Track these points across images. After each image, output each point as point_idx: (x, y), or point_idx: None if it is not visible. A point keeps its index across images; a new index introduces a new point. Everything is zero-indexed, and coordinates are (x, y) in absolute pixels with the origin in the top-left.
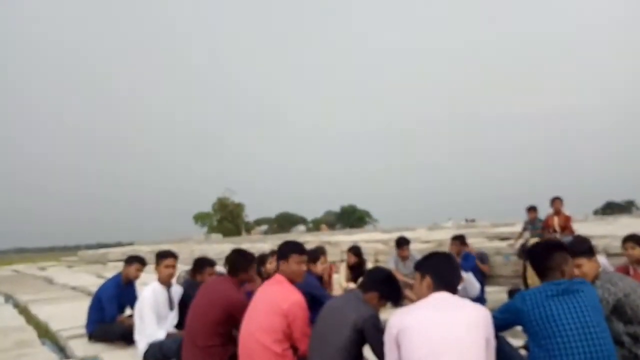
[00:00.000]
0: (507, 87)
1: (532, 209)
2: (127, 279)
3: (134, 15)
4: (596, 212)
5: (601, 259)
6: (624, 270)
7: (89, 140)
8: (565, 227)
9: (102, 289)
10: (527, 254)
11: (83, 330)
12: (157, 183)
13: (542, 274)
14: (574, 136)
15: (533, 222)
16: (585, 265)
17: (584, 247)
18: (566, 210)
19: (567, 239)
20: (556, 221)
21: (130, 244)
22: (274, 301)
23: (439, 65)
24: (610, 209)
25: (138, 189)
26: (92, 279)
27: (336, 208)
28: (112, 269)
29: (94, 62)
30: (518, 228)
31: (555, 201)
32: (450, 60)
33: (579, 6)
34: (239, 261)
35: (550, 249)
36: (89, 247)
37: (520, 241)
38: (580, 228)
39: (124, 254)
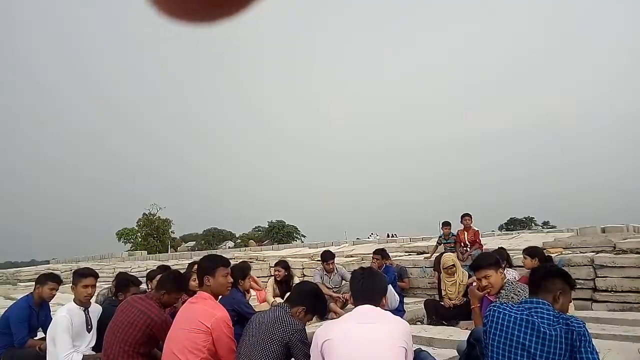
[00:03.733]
0: (425, 116)
1: (446, 225)
2: (40, 299)
3: None
4: (500, 227)
5: (511, 271)
6: (526, 280)
7: None
8: (474, 241)
9: (10, 310)
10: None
11: None
12: (77, 197)
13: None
14: (482, 161)
15: (447, 236)
16: (492, 277)
17: (491, 260)
18: (475, 226)
19: (476, 252)
20: (466, 236)
21: (46, 262)
22: (198, 319)
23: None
24: (513, 224)
25: (55, 203)
26: None
27: (264, 224)
28: (24, 290)
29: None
30: (433, 242)
31: (465, 217)
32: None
33: None
34: (167, 282)
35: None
36: None
37: (436, 255)
38: (488, 242)
39: (38, 273)
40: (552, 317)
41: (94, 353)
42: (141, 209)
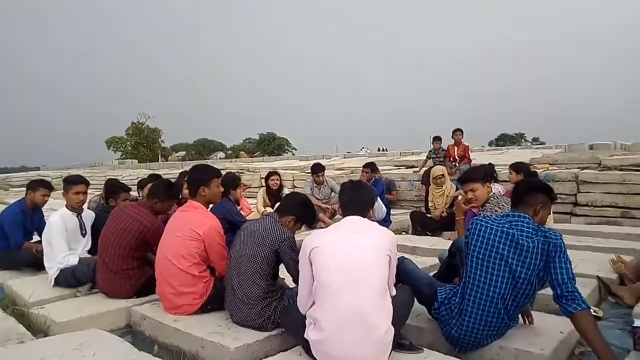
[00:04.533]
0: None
1: (437, 139)
2: (33, 204)
3: None
4: (490, 143)
5: (496, 185)
6: (511, 194)
7: None
8: (464, 156)
9: (4, 215)
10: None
11: None
12: (66, 102)
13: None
14: (475, 76)
15: (437, 151)
16: (479, 190)
17: (479, 174)
18: (465, 141)
19: (464, 167)
20: (456, 151)
21: (36, 168)
22: (191, 227)
23: None
24: (503, 140)
25: (44, 108)
26: None
27: (255, 136)
28: (16, 196)
29: None
30: (423, 157)
31: (456, 132)
32: None
33: None
34: (159, 191)
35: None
36: None
37: (424, 169)
38: (478, 157)
39: (29, 179)
40: (531, 230)
41: (89, 256)
42: (130, 117)
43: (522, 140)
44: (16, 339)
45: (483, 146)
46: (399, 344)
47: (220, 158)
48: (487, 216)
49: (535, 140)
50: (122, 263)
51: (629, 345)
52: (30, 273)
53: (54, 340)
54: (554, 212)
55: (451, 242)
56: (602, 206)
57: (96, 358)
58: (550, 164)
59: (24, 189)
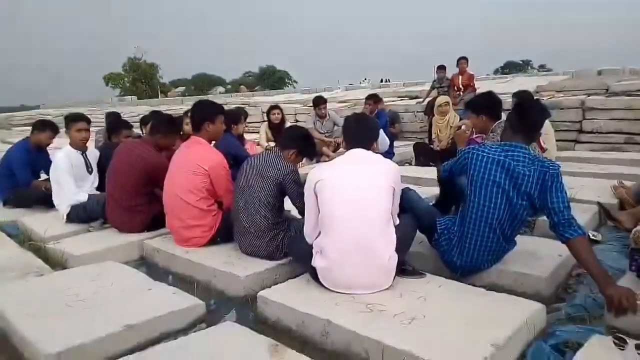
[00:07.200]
0: None
1: (440, 68)
2: (38, 145)
3: None
4: (496, 71)
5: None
6: None
7: None
8: (468, 85)
9: (10, 154)
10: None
11: None
12: (62, 39)
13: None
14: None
15: (441, 80)
16: (471, 119)
17: (478, 105)
18: (470, 69)
19: (469, 96)
20: (460, 79)
21: (36, 107)
22: (196, 162)
23: None
24: (509, 67)
25: (41, 46)
26: None
27: (255, 69)
28: (19, 135)
29: None
30: (427, 87)
31: (461, 61)
32: None
33: None
34: (163, 126)
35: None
36: None
37: (428, 99)
38: (482, 86)
39: (31, 118)
40: (527, 160)
41: (98, 193)
42: (126, 53)
43: (529, 68)
44: (35, 272)
45: (488, 74)
46: (402, 270)
47: (220, 93)
48: (484, 145)
49: (542, 67)
50: (130, 199)
51: (625, 266)
52: (41, 210)
53: (72, 272)
54: (557, 140)
55: None
56: (607, 133)
57: (114, 287)
58: (556, 91)
59: (26, 128)
